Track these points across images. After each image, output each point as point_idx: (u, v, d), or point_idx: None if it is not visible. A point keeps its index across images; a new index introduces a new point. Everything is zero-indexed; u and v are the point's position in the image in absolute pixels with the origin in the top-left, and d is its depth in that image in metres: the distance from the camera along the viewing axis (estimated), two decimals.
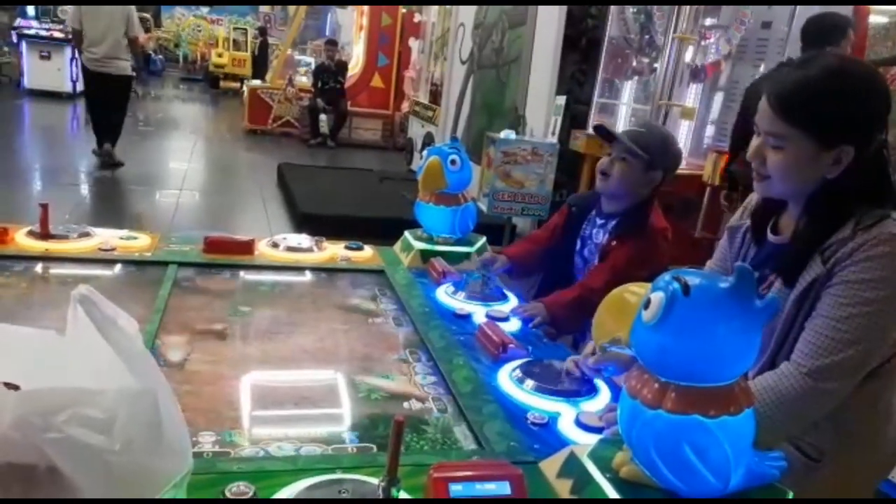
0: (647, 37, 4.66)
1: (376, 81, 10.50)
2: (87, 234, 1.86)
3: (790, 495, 0.91)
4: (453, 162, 2.02)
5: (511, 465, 0.90)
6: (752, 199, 1.37)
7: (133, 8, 6.28)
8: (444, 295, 1.75)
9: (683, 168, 2.14)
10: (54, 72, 10.65)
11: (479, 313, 1.65)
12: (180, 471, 0.71)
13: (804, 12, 3.21)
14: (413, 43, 9.38)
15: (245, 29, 16.66)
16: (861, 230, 1.12)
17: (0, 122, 8.60)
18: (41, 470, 0.62)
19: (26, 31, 10.82)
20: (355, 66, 10.66)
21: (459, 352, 1.42)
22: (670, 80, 4.33)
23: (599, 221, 1.99)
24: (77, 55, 7.58)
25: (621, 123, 4.85)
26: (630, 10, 4.70)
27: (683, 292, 0.78)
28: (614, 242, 1.88)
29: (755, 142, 1.22)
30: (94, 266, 1.76)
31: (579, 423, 1.15)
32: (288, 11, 16.43)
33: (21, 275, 1.68)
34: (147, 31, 12.96)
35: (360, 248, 2.06)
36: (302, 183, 6.03)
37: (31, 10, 11.64)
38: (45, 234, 1.79)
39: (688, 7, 4.18)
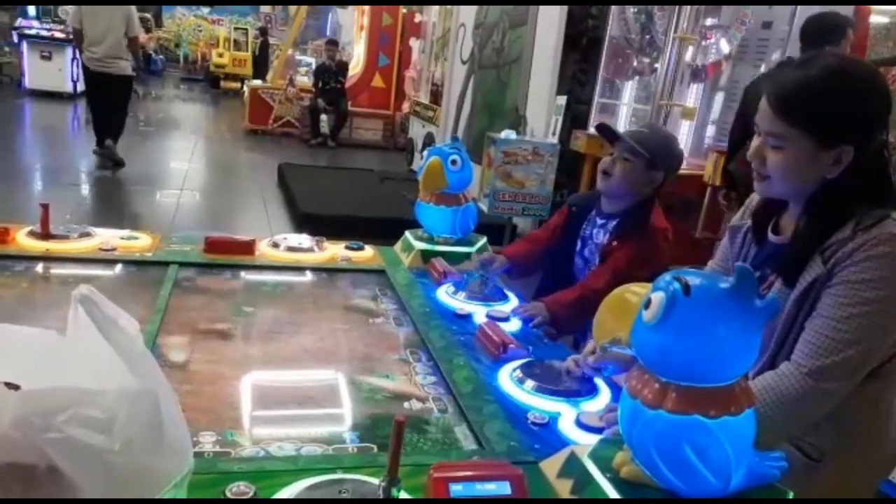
0: (647, 37, 4.66)
1: (377, 81, 10.50)
2: (87, 235, 1.86)
3: (790, 495, 0.91)
4: (454, 162, 2.02)
5: (511, 465, 0.90)
6: (754, 199, 1.37)
7: (133, 7, 6.29)
8: (445, 295, 1.75)
9: (684, 168, 2.14)
10: (55, 72, 10.66)
11: (479, 313, 1.65)
12: (181, 471, 0.71)
13: (805, 12, 3.21)
14: (414, 43, 9.39)
15: (246, 29, 16.68)
16: (861, 230, 1.12)
17: (1, 122, 8.61)
18: (41, 470, 0.62)
19: (27, 31, 10.83)
20: (356, 66, 10.67)
21: (460, 352, 1.42)
22: (671, 80, 4.33)
23: (600, 221, 1.99)
24: (78, 55, 7.59)
25: (622, 123, 4.85)
26: (631, 9, 4.70)
27: (684, 292, 0.78)
28: (615, 242, 1.88)
29: (755, 142, 1.22)
30: (95, 266, 1.76)
31: (580, 424, 1.15)
32: (289, 11, 16.44)
33: (22, 275, 1.69)
34: (148, 31, 13.01)
35: (360, 249, 2.06)
36: (302, 183, 6.04)
37: (32, 10, 11.65)
38: (45, 234, 1.79)
39: (688, 7, 4.18)
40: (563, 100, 4.78)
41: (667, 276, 0.81)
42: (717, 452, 0.80)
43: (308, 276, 1.91)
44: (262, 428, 1.13)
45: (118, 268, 1.78)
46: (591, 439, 1.03)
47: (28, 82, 10.73)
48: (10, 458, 0.62)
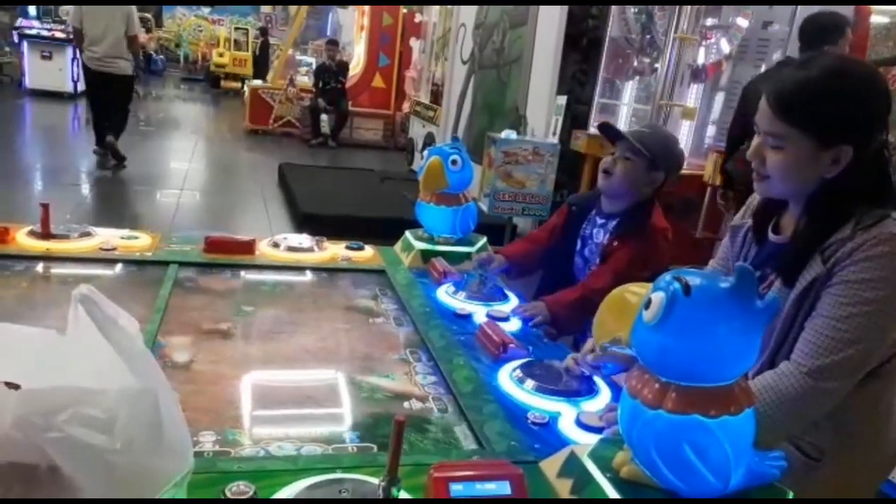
0: (648, 37, 4.66)
1: (377, 81, 10.50)
2: (87, 234, 1.86)
3: (790, 495, 0.91)
4: (454, 162, 2.02)
5: (511, 465, 0.90)
6: (755, 198, 1.37)
7: (133, 7, 6.31)
8: (445, 295, 1.75)
9: (684, 168, 2.14)
10: (55, 72, 10.66)
11: (479, 313, 1.65)
12: (181, 470, 0.71)
13: (805, 12, 3.20)
14: (414, 43, 9.39)
15: (246, 29, 16.69)
16: (861, 230, 1.12)
17: (1, 122, 8.61)
18: (42, 469, 0.62)
19: (28, 31, 10.84)
20: (356, 66, 10.67)
21: (460, 352, 1.42)
22: (671, 80, 4.33)
23: (600, 221, 1.99)
24: (78, 55, 7.61)
25: (622, 123, 4.85)
26: (631, 10, 4.70)
27: (684, 292, 0.78)
28: (615, 242, 1.88)
29: (755, 141, 1.23)
30: (95, 266, 1.77)
31: (580, 423, 1.15)
32: (289, 11, 16.44)
33: (22, 274, 1.69)
34: (148, 31, 13.02)
35: (360, 248, 2.06)
36: (303, 183, 6.04)
37: (32, 9, 11.67)
38: (45, 234, 1.79)
39: (688, 7, 4.18)
40: (563, 100, 4.78)
41: (667, 276, 0.81)
42: (716, 452, 0.80)
43: (308, 276, 1.91)
44: (261, 427, 1.13)
45: (118, 267, 1.78)
46: (591, 439, 1.03)
47: (28, 82, 10.73)
48: (10, 457, 0.62)
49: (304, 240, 2.02)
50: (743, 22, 4.16)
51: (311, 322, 1.60)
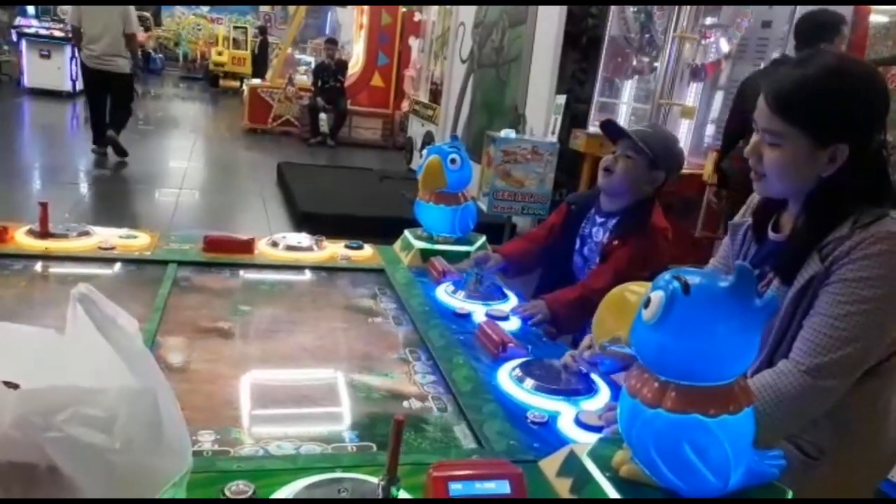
0: (647, 36, 4.65)
1: (376, 80, 10.49)
2: (86, 233, 1.86)
3: (789, 495, 0.91)
4: (453, 161, 2.01)
5: (511, 464, 0.90)
6: (755, 197, 1.37)
7: (131, 5, 6.31)
8: (444, 294, 1.75)
9: (684, 167, 2.14)
10: (54, 70, 10.64)
11: (478, 312, 1.65)
12: (180, 470, 0.71)
13: (803, 12, 3.20)
14: (413, 42, 9.38)
15: (245, 28, 16.67)
16: (859, 228, 1.12)
17: (0, 121, 8.59)
18: (42, 469, 0.62)
19: (26, 30, 10.82)
20: (355, 64, 10.65)
21: (459, 351, 1.42)
22: (670, 79, 4.33)
23: (599, 220, 1.99)
24: (77, 53, 7.61)
25: (621, 122, 4.83)
26: (630, 9, 4.69)
27: (683, 291, 0.78)
28: (616, 242, 1.88)
29: (753, 139, 1.23)
30: (94, 265, 1.76)
31: (579, 422, 1.15)
32: (288, 10, 16.42)
33: (21, 273, 1.68)
34: (147, 29, 13.00)
35: (359, 247, 2.06)
36: (302, 182, 6.03)
37: (31, 8, 11.65)
38: (44, 233, 1.79)
39: (688, 6, 4.18)
40: (562, 99, 4.78)
41: (666, 275, 0.81)
42: (716, 451, 0.80)
43: (307, 275, 1.91)
44: (261, 427, 1.13)
45: (117, 266, 1.78)
46: (591, 438, 1.03)
47: (27, 81, 10.71)
48: (10, 457, 0.62)
49: (303, 239, 2.01)
50: (742, 21, 4.16)
51: (311, 321, 1.60)
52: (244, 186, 6.69)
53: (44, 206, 1.81)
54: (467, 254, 2.00)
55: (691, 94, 4.62)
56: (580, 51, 4.98)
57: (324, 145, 9.41)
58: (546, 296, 1.81)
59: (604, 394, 1.28)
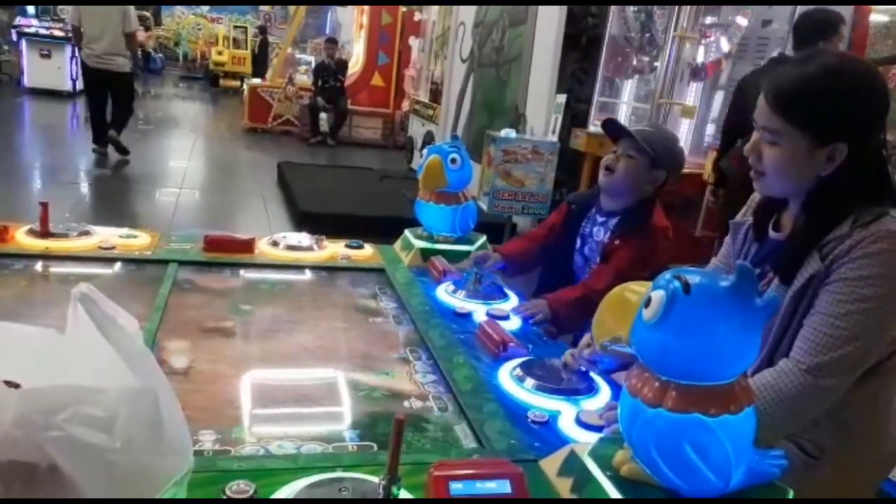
0: (647, 35, 4.65)
1: (376, 80, 10.49)
2: (87, 233, 1.86)
3: (790, 494, 0.91)
4: (453, 160, 2.02)
5: (511, 464, 0.90)
6: (756, 196, 1.37)
7: (130, 5, 6.32)
8: (445, 293, 1.75)
9: (684, 167, 2.14)
10: (54, 70, 10.64)
11: (479, 312, 1.65)
12: (181, 469, 0.71)
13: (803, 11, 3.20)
14: (413, 41, 9.37)
15: (245, 27, 16.67)
16: (859, 227, 1.12)
17: (0, 121, 8.59)
18: (42, 468, 0.62)
19: (26, 30, 10.82)
20: (355, 64, 10.65)
21: (460, 350, 1.42)
22: (671, 79, 4.32)
23: (600, 219, 1.99)
24: (77, 53, 7.62)
25: (622, 122, 4.84)
26: (630, 8, 4.69)
27: (684, 291, 0.78)
28: (616, 241, 1.88)
29: (753, 137, 1.23)
30: (94, 264, 1.76)
31: (580, 422, 1.15)
32: (288, 10, 16.41)
33: (21, 273, 1.69)
34: (147, 29, 13.00)
35: (360, 247, 2.06)
36: (302, 181, 6.03)
37: (31, 8, 11.65)
38: (45, 233, 1.79)
39: (688, 6, 4.17)
40: (562, 98, 4.78)
41: (667, 275, 0.81)
42: (717, 451, 0.80)
43: (308, 275, 1.91)
44: (262, 426, 1.13)
45: (117, 266, 1.78)
46: (592, 438, 1.03)
47: (27, 81, 10.71)
48: (10, 456, 0.62)
49: (304, 238, 2.01)
50: (742, 21, 4.16)
51: (311, 321, 1.60)
52: (244, 186, 6.69)
53: (44, 205, 1.81)
54: (468, 253, 2.00)
55: (691, 94, 4.62)
56: (580, 50, 4.97)
57: (324, 145, 9.41)
58: (547, 295, 1.81)
59: (604, 393, 1.28)
